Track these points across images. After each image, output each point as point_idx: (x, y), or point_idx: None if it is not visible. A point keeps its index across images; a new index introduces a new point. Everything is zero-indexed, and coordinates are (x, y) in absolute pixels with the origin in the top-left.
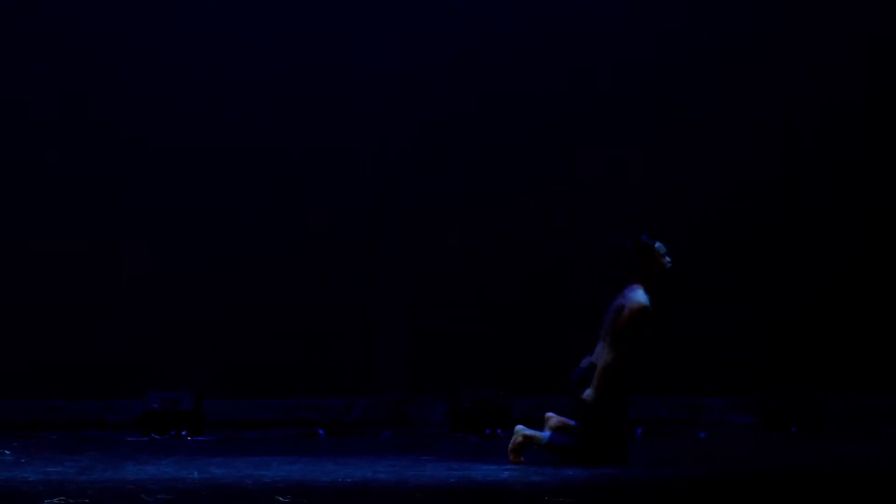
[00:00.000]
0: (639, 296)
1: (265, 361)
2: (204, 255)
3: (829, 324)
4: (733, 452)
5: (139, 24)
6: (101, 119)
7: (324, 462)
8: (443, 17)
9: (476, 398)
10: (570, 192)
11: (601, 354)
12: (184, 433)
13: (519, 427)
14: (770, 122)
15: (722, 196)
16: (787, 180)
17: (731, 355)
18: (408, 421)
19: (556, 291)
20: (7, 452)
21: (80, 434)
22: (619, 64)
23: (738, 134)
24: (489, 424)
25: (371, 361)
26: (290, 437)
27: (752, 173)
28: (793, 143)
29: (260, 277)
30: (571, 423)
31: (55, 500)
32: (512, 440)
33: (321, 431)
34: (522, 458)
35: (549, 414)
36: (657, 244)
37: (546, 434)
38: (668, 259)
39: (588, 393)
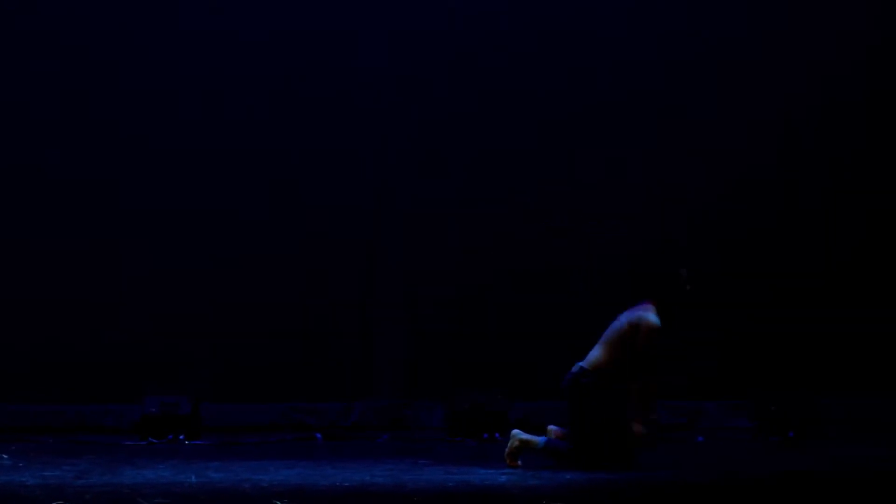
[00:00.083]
0: (653, 317)
1: (265, 361)
2: (204, 255)
3: (828, 325)
4: (732, 456)
5: (139, 24)
6: (101, 119)
7: (322, 466)
8: (443, 17)
9: (474, 401)
10: (570, 192)
11: (596, 359)
12: (181, 437)
13: (515, 431)
14: (770, 122)
15: (722, 196)
16: (787, 180)
17: (729, 358)
18: (406, 424)
19: (556, 291)
20: (5, 456)
21: (78, 438)
22: (619, 64)
23: (738, 134)
24: (487, 428)
25: (371, 362)
26: (288, 441)
27: (752, 173)
28: (793, 143)
29: (260, 277)
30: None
31: None
32: (508, 444)
33: (319, 435)
34: (520, 462)
35: (552, 427)
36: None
37: (542, 438)
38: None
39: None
